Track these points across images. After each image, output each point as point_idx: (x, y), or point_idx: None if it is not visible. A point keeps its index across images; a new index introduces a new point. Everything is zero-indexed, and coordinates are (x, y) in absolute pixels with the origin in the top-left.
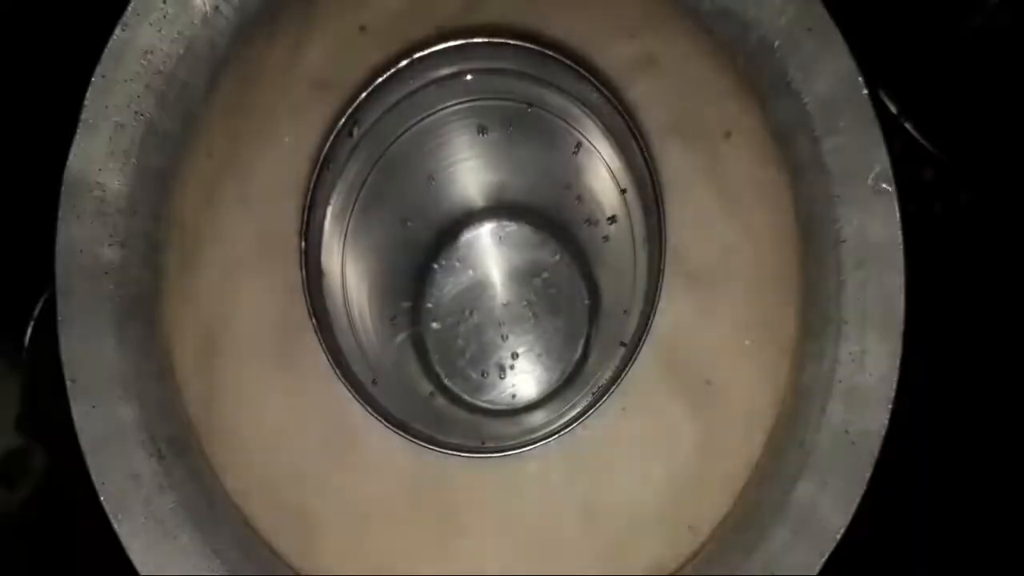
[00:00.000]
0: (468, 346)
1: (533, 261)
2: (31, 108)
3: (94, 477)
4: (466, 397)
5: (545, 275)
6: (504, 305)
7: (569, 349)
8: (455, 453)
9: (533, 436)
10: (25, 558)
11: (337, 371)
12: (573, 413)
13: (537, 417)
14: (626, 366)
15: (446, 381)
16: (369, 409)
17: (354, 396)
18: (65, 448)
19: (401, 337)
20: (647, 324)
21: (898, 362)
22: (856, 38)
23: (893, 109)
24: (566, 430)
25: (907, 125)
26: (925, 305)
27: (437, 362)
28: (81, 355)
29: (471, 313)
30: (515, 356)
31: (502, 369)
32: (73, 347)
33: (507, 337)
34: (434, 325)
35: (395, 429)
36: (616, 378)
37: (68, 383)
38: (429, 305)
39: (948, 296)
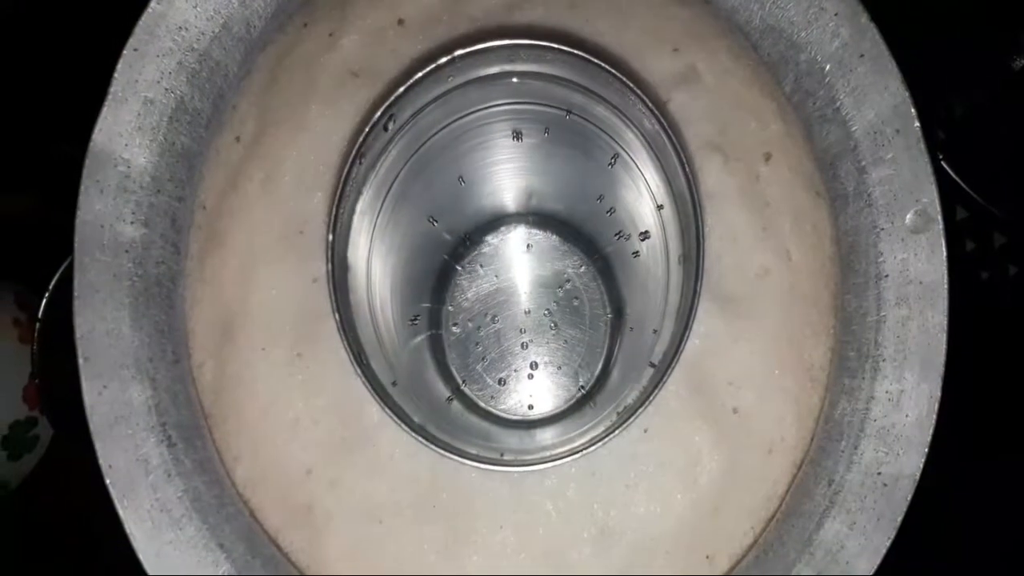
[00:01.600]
0: (487, 352)
1: (558, 271)
2: (62, 77)
3: (101, 460)
4: (482, 404)
5: (569, 286)
6: (526, 313)
7: (590, 364)
8: (475, 464)
9: (555, 453)
10: (26, 530)
11: (358, 369)
12: (596, 432)
13: (554, 432)
14: (655, 388)
15: (463, 386)
16: (388, 411)
17: (374, 396)
18: (74, 423)
19: (421, 338)
20: (679, 346)
21: (937, 404)
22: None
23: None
24: (588, 450)
25: (944, 164)
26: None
27: (455, 365)
28: (95, 333)
29: (492, 319)
30: (534, 366)
31: (520, 378)
32: (87, 325)
33: (527, 346)
34: (454, 328)
35: (415, 434)
36: (645, 400)
37: (80, 361)
38: (450, 308)
39: (976, 338)
